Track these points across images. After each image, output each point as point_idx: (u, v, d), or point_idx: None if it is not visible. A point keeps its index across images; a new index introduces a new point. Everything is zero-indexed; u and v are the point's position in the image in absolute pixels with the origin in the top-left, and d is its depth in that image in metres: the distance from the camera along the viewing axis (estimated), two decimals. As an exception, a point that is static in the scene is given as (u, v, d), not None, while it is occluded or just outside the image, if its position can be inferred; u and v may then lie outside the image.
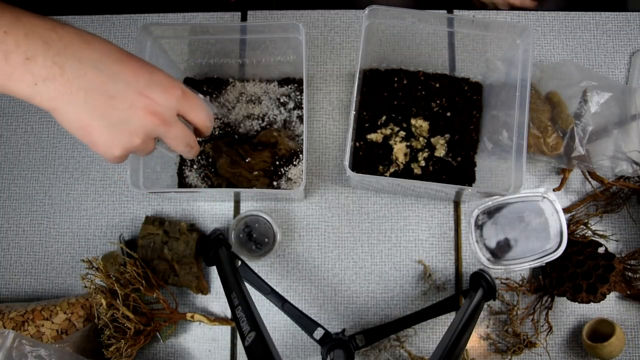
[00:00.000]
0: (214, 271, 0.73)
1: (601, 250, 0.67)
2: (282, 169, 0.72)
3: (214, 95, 0.76)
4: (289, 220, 0.74)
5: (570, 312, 0.71)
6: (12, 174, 0.77)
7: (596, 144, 0.69)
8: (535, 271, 0.73)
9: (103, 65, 0.41)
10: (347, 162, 0.60)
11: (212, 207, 0.75)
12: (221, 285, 0.63)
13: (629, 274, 0.68)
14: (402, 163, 0.73)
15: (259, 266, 0.73)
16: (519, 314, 0.70)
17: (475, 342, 0.71)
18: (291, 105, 0.75)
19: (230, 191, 0.67)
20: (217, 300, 0.73)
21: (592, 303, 0.65)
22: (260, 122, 0.75)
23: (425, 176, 0.72)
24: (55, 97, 0.39)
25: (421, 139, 0.74)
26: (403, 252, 0.73)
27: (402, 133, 0.73)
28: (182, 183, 0.74)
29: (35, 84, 0.38)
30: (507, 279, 0.71)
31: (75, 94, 0.39)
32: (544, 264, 0.69)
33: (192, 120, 0.48)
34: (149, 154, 0.47)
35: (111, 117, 0.41)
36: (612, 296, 0.71)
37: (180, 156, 0.75)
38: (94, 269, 0.65)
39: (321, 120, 0.77)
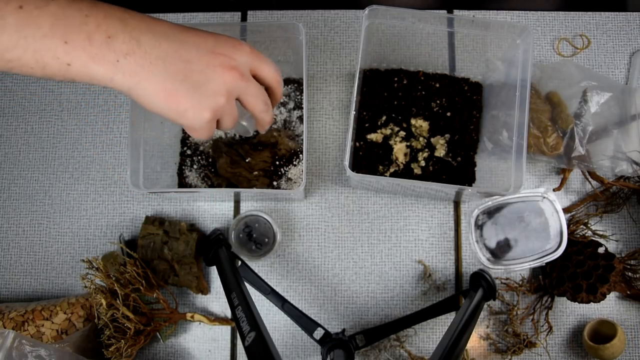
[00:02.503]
0: (214, 271, 0.73)
1: (601, 250, 0.67)
2: (282, 169, 0.72)
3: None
4: (289, 220, 0.74)
5: (570, 312, 0.71)
6: (12, 174, 0.77)
7: (596, 144, 0.69)
8: (535, 271, 0.73)
9: (172, 34, 0.42)
10: (347, 162, 0.60)
11: (212, 207, 0.75)
12: (221, 285, 0.63)
13: (629, 274, 0.68)
14: (402, 163, 0.73)
15: (259, 266, 0.73)
16: (519, 314, 0.70)
17: (475, 342, 0.71)
18: (291, 105, 0.75)
19: (230, 191, 0.67)
20: (217, 300, 0.73)
21: (592, 303, 0.65)
22: (260, 122, 0.75)
23: (425, 176, 0.72)
24: (136, 71, 0.40)
25: (421, 139, 0.74)
26: (403, 252, 0.73)
27: (402, 133, 0.73)
28: (182, 183, 0.74)
29: (117, 61, 0.39)
30: (507, 279, 0.71)
31: (155, 64, 0.40)
32: (544, 264, 0.69)
33: (265, 77, 0.48)
34: (234, 123, 0.47)
35: (193, 79, 0.42)
36: (612, 296, 0.71)
37: (181, 154, 0.75)
38: (94, 269, 0.65)
39: (321, 120, 0.77)
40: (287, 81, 0.76)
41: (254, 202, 0.75)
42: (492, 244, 0.71)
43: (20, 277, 0.75)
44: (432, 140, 0.74)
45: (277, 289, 0.67)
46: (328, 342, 0.62)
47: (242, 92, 0.46)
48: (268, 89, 0.49)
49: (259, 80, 0.48)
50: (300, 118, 0.74)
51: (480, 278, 0.67)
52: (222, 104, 0.44)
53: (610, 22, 0.79)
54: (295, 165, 0.72)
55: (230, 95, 0.44)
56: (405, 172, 0.73)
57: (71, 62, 0.38)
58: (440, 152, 0.73)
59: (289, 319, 0.65)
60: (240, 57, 0.45)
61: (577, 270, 0.66)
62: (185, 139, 0.75)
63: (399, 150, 0.73)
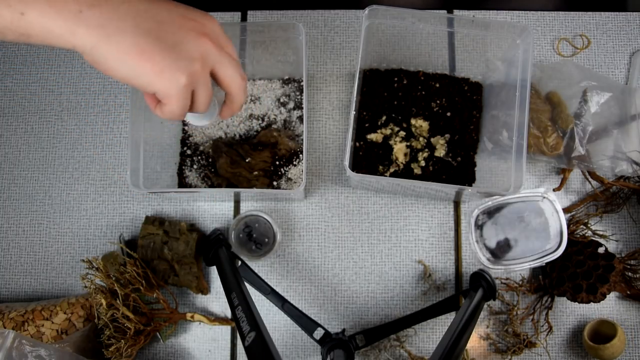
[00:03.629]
0: (214, 271, 0.73)
1: (601, 250, 0.67)
2: (282, 169, 0.72)
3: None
4: (289, 220, 0.74)
5: (570, 312, 0.71)
6: (12, 174, 0.77)
7: (596, 144, 0.69)
8: (535, 271, 0.73)
9: None
10: (347, 162, 0.60)
11: (212, 207, 0.75)
12: (221, 285, 0.63)
13: (629, 274, 0.68)
14: (402, 163, 0.73)
15: (259, 266, 0.73)
16: (519, 314, 0.70)
17: (475, 342, 0.71)
18: (291, 105, 0.75)
19: (230, 191, 0.67)
20: (217, 300, 0.73)
21: (592, 303, 0.65)
22: (260, 122, 0.75)
23: (425, 176, 0.72)
24: (102, 24, 0.36)
25: (421, 139, 0.74)
26: (403, 252, 0.73)
27: (402, 133, 0.73)
28: (182, 183, 0.74)
29: (80, 11, 0.35)
30: (507, 279, 0.71)
31: (124, 19, 0.37)
32: (544, 264, 0.69)
33: (229, 52, 0.45)
34: (208, 100, 0.43)
35: (167, 39, 0.39)
36: (612, 296, 0.71)
37: (181, 154, 0.75)
38: (94, 269, 0.65)
39: (321, 120, 0.77)
40: (287, 81, 0.76)
41: (254, 202, 0.75)
42: (492, 244, 0.71)
43: (20, 277, 0.75)
44: (432, 140, 0.74)
45: (277, 289, 0.67)
46: (328, 342, 0.62)
47: (217, 62, 0.42)
48: None
49: None
50: (300, 118, 0.74)
51: (480, 278, 0.67)
52: (197, 69, 0.40)
53: (610, 22, 0.79)
54: (295, 165, 0.72)
55: (205, 62, 0.41)
56: (405, 172, 0.73)
57: (25, 11, 0.34)
58: (440, 152, 0.73)
59: (289, 319, 0.65)
60: (212, 26, 0.43)
61: (577, 270, 0.66)
62: (185, 139, 0.75)
63: (399, 150, 0.73)
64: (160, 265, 0.70)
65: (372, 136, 0.73)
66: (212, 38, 0.42)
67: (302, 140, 0.65)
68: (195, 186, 0.73)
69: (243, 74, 0.45)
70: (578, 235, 0.70)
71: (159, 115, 0.43)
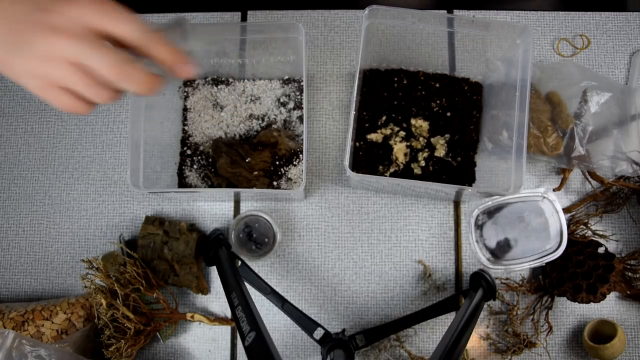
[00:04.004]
0: (214, 271, 0.73)
1: (601, 250, 0.67)
2: (282, 169, 0.72)
3: (214, 94, 0.76)
4: (289, 220, 0.74)
5: (570, 312, 0.71)
6: (12, 174, 0.77)
7: (596, 144, 0.69)
8: (535, 271, 0.73)
9: None
10: (347, 162, 0.60)
11: (212, 207, 0.75)
12: (221, 285, 0.63)
13: (629, 274, 0.68)
14: (402, 163, 0.73)
15: (259, 266, 0.73)
16: (519, 314, 0.70)
17: (475, 342, 0.71)
18: (291, 105, 0.75)
19: (230, 191, 0.67)
20: (217, 300, 0.73)
21: (592, 303, 0.65)
22: (260, 122, 0.75)
23: (425, 176, 0.72)
24: None
25: (421, 139, 0.74)
26: (403, 252, 0.73)
27: (402, 133, 0.73)
28: (182, 183, 0.74)
29: None
30: (507, 279, 0.71)
31: None
32: (544, 264, 0.69)
33: (120, 35, 0.38)
34: (100, 95, 0.39)
35: (16, 42, 0.37)
36: (612, 296, 0.71)
37: (181, 154, 0.75)
38: (94, 269, 0.65)
39: (321, 120, 0.77)
40: (287, 81, 0.76)
41: (254, 202, 0.75)
42: (492, 244, 0.71)
43: (20, 277, 0.75)
44: (432, 140, 0.74)
45: (277, 289, 0.67)
46: (328, 342, 0.62)
47: (82, 57, 0.37)
48: (137, 50, 0.39)
49: (118, 40, 0.38)
50: (300, 118, 0.74)
51: (480, 278, 0.67)
52: (47, 72, 0.37)
53: (610, 22, 0.79)
54: (295, 165, 0.72)
55: (62, 62, 0.37)
56: (405, 172, 0.73)
57: None
58: (440, 152, 0.73)
59: (289, 319, 0.65)
60: (70, 12, 0.37)
61: (577, 270, 0.66)
62: (185, 139, 0.75)
63: (399, 150, 0.73)
64: (160, 265, 0.70)
65: (372, 136, 0.73)
66: (63, 30, 0.36)
67: (302, 140, 0.65)
68: (195, 186, 0.73)
69: (119, 64, 0.38)
70: (578, 235, 0.70)
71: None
